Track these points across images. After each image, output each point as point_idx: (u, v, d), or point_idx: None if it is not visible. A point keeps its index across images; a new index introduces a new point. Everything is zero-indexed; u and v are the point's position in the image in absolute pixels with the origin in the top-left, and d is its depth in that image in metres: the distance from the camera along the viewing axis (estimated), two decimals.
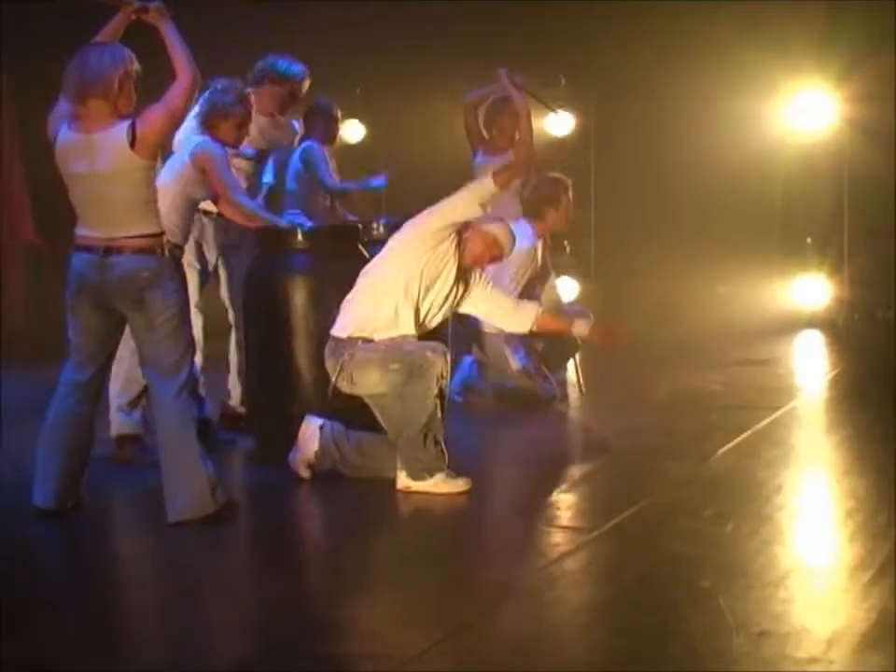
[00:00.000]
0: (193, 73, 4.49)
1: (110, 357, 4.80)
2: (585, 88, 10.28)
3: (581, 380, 7.18)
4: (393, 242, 5.17)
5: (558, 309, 7.13)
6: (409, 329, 5.06)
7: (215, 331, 6.07)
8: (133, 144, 4.41)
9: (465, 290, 5.27)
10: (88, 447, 4.72)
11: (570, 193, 6.87)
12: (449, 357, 5.03)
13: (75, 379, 4.66)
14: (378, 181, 7.28)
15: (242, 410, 6.11)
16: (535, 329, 5.47)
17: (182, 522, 4.49)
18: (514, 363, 6.71)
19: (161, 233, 4.60)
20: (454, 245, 5.13)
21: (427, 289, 5.09)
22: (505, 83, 6.70)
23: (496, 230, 5.22)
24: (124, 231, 4.50)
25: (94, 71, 4.42)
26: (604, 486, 5.18)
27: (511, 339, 6.64)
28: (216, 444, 5.41)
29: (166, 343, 4.55)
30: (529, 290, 6.80)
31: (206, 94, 5.51)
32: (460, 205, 5.11)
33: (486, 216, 5.21)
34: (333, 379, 5.08)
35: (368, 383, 5.02)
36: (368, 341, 5.04)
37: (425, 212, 5.14)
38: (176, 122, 4.62)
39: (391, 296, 5.05)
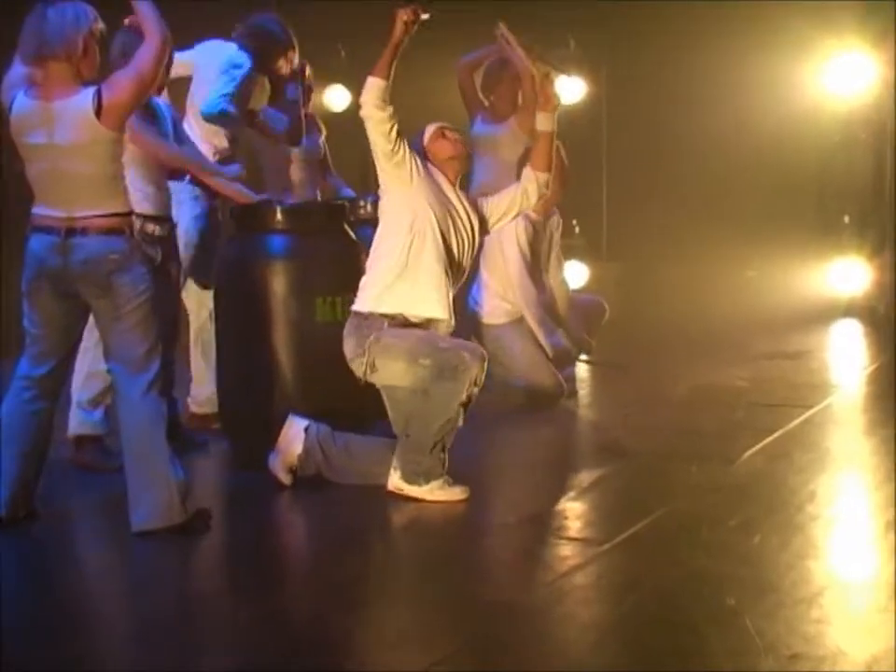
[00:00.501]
0: (164, 34, 4.49)
1: (72, 349, 4.82)
2: (597, 50, 10.29)
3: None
4: (379, 203, 5.23)
5: (570, 303, 7.18)
6: (432, 272, 5.04)
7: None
8: (98, 113, 4.42)
9: (475, 220, 5.25)
10: (44, 450, 4.74)
11: (515, 46, 6.63)
12: (487, 363, 5.00)
13: (31, 374, 4.68)
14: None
15: (201, 411, 6.15)
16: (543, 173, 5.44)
17: (148, 532, 4.52)
18: (548, 347, 6.75)
19: (129, 213, 4.62)
20: (428, 170, 5.15)
21: (436, 215, 5.09)
22: (503, 43, 6.72)
23: (431, 127, 5.26)
24: (88, 209, 4.51)
25: (56, 30, 4.43)
26: (617, 493, 5.21)
27: (545, 322, 6.70)
28: (186, 447, 5.45)
29: (135, 334, 4.57)
30: (538, 280, 6.86)
31: (119, 35, 5.37)
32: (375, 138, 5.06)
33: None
34: (353, 364, 5.05)
35: (391, 373, 5.00)
36: (395, 319, 5.03)
37: None
38: (147, 89, 4.60)
39: (402, 253, 5.06)
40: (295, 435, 5.17)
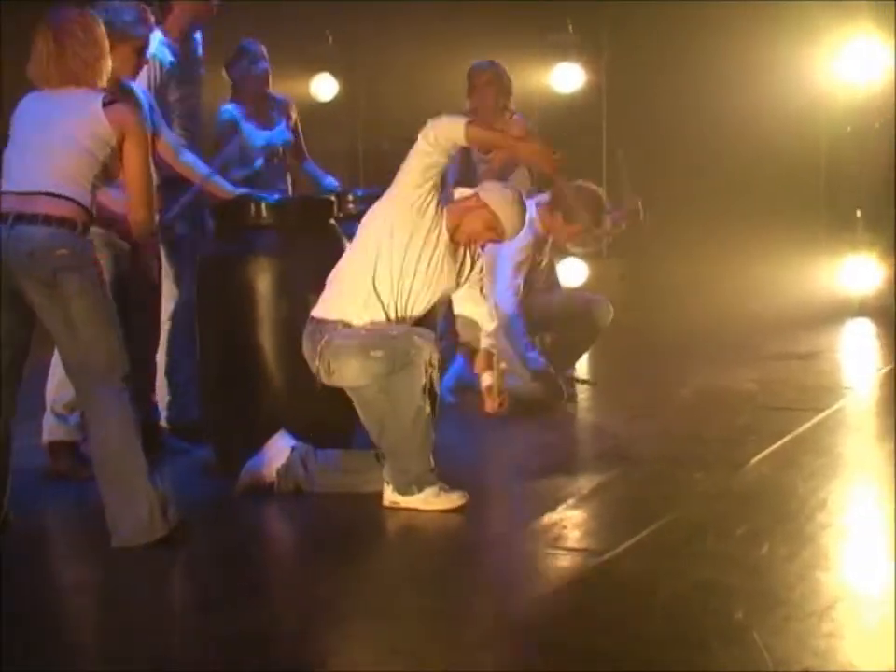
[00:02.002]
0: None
1: (21, 351, 4.69)
2: (596, 35, 10.29)
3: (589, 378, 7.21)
4: (371, 209, 5.20)
5: (569, 297, 7.19)
6: (378, 312, 5.07)
7: None
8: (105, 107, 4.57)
9: (458, 275, 5.27)
10: (5, 459, 4.68)
11: (597, 218, 6.83)
12: (439, 345, 5.05)
13: None
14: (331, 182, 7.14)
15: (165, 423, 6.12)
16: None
17: (128, 547, 4.51)
18: (528, 366, 6.73)
19: (88, 210, 4.57)
20: (441, 213, 5.12)
21: (409, 262, 5.06)
22: None
23: (500, 207, 5.17)
24: (50, 185, 4.49)
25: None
26: (618, 501, 5.22)
27: (519, 338, 6.69)
28: (166, 455, 5.44)
29: (92, 341, 4.50)
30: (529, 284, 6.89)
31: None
32: (422, 154, 5.02)
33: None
34: (312, 368, 5.10)
35: (347, 373, 5.04)
36: (347, 325, 5.08)
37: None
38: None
39: (365, 268, 5.07)
40: (280, 450, 5.20)
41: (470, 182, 7.45)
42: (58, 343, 4.62)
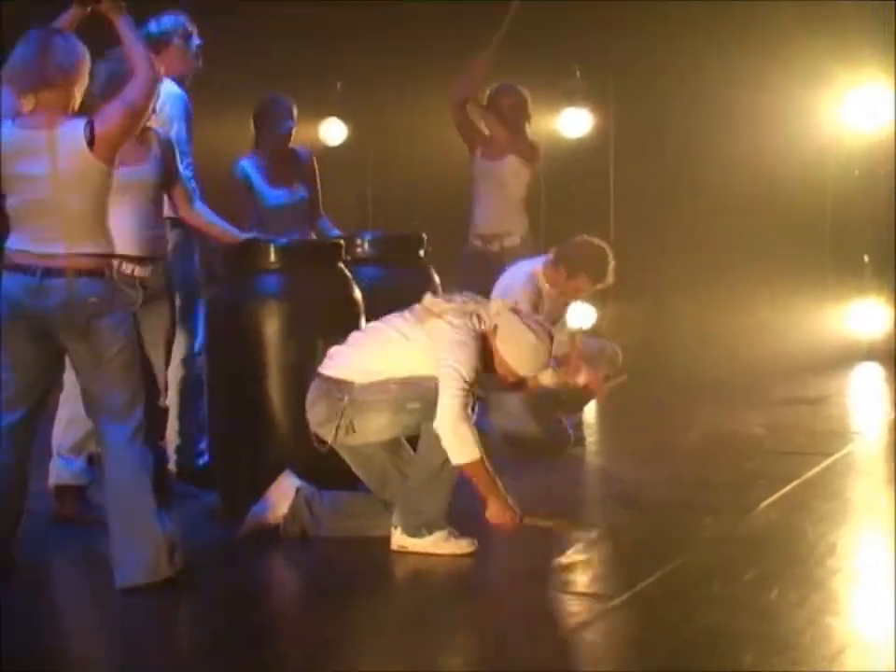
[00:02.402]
0: (153, 68, 4.58)
1: (44, 395, 4.76)
2: (604, 81, 10.34)
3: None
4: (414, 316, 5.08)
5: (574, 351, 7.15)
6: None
7: None
8: (91, 144, 4.47)
9: None
10: (19, 503, 4.71)
11: (602, 274, 6.71)
12: (475, 395, 4.95)
13: (2, 422, 4.65)
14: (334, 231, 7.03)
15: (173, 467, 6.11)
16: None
17: (134, 588, 4.50)
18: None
19: (112, 255, 4.63)
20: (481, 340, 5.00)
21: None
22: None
23: (511, 355, 5.00)
24: (69, 247, 4.52)
25: (61, 57, 4.50)
26: (627, 545, 5.20)
27: None
28: (173, 498, 5.43)
29: (117, 382, 4.56)
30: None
31: (103, 64, 5.47)
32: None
33: (515, 320, 5.06)
34: (324, 429, 5.03)
35: (373, 428, 5.00)
36: (364, 385, 5.00)
37: (438, 343, 4.94)
38: (138, 121, 4.66)
39: (386, 360, 5.01)
40: (285, 493, 5.17)
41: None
42: (82, 379, 4.65)
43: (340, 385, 5.03)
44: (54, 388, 4.86)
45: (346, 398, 5.00)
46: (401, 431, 5.00)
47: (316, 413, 5.07)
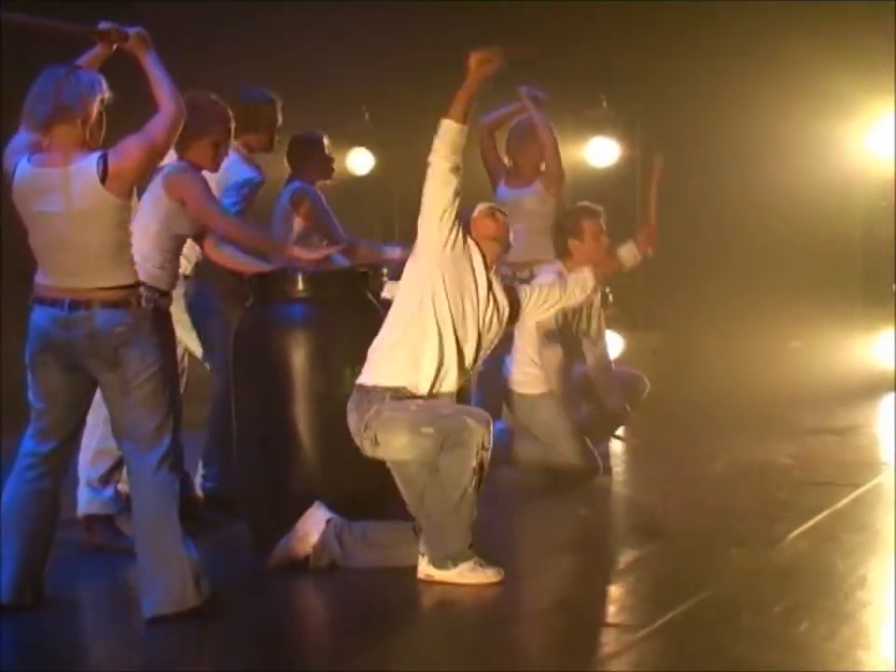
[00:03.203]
0: (178, 104, 4.58)
1: (78, 425, 4.85)
2: (630, 110, 10.36)
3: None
4: (406, 269, 5.24)
5: (607, 375, 7.15)
6: (429, 366, 5.06)
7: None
8: (103, 179, 4.47)
9: (503, 307, 5.25)
10: (50, 532, 4.74)
11: (598, 219, 6.87)
12: (492, 427, 5.03)
13: (36, 451, 4.69)
14: (394, 248, 7.15)
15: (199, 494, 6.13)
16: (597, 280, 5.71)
17: (160, 617, 4.50)
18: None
19: (136, 284, 4.65)
20: (467, 244, 5.15)
21: (455, 306, 5.07)
22: (527, 103, 6.75)
23: (479, 208, 5.26)
24: (93, 281, 4.55)
25: (73, 94, 4.51)
26: (654, 576, 5.19)
27: (569, 394, 6.73)
28: (201, 527, 5.44)
29: (145, 409, 4.59)
30: (569, 349, 6.87)
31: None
32: (431, 192, 5.09)
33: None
34: (357, 440, 5.08)
35: (394, 446, 5.03)
36: (397, 392, 5.06)
37: None
38: (157, 157, 4.67)
39: (409, 325, 5.07)
40: (315, 524, 5.18)
41: None
42: (111, 408, 4.68)
43: (370, 395, 5.07)
44: (86, 416, 4.87)
45: (373, 409, 5.03)
46: (420, 455, 4.99)
47: (351, 424, 5.11)
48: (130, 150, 4.52)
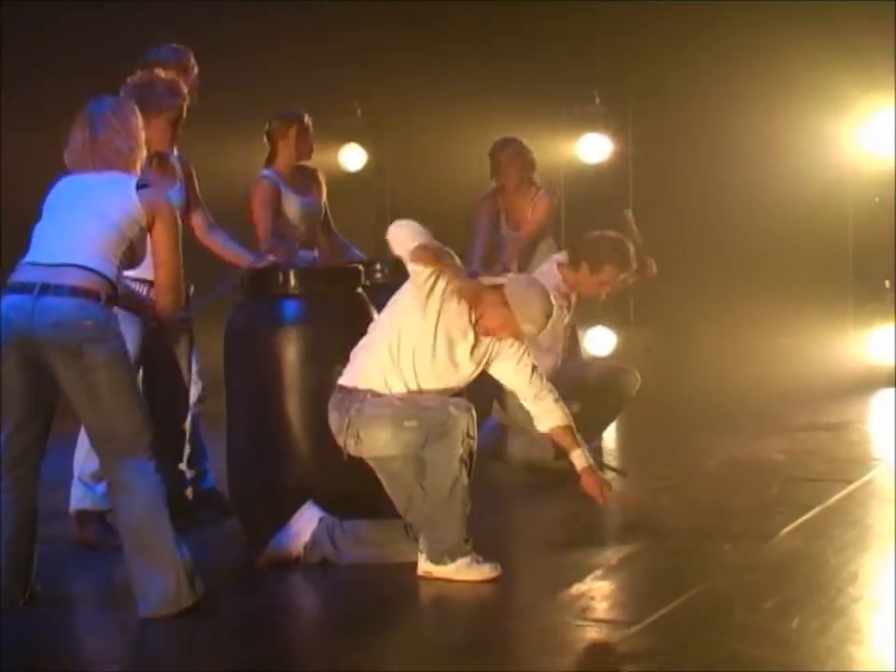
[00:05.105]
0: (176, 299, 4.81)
1: (46, 423, 4.70)
2: (623, 106, 10.37)
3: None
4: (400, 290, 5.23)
5: (596, 367, 7.15)
6: (401, 386, 5.07)
7: None
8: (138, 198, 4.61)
9: (489, 351, 5.20)
10: (30, 536, 4.68)
11: (622, 272, 6.79)
12: (475, 415, 5.03)
13: (5, 450, 4.62)
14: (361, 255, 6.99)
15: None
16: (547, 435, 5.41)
17: (156, 617, 4.50)
18: None
19: (113, 283, 4.58)
20: (455, 300, 5.08)
21: (426, 344, 5.05)
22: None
23: (520, 308, 5.05)
24: (74, 255, 4.52)
25: (116, 141, 4.68)
26: (647, 572, 5.20)
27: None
28: (193, 525, 5.44)
29: (118, 416, 4.51)
30: (568, 348, 6.90)
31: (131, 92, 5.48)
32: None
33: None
34: (339, 439, 5.09)
35: (376, 443, 5.04)
36: (377, 394, 5.08)
37: None
38: (139, 250, 4.73)
39: (388, 344, 5.08)
40: (307, 522, 5.18)
41: (497, 252, 7.52)
42: (80, 414, 4.60)
43: (350, 395, 5.09)
44: (48, 427, 4.70)
45: (354, 407, 5.04)
46: (404, 449, 5.00)
47: (331, 422, 5.13)
48: (160, 207, 4.68)
